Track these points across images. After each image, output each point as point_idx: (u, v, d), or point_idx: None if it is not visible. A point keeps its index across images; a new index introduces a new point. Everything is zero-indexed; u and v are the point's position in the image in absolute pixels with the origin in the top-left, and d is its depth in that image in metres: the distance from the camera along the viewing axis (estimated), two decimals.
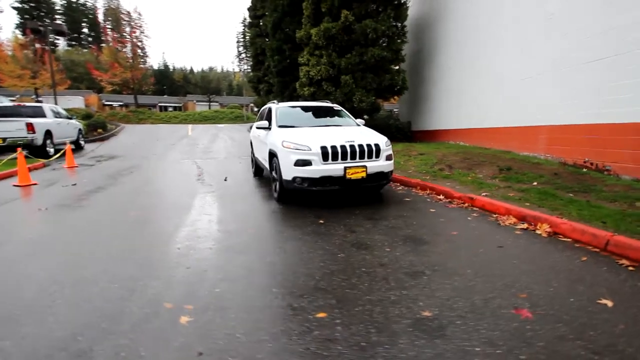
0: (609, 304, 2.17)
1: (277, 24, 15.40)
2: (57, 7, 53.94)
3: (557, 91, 6.63)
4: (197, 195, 5.73)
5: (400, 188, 6.05)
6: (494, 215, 4.20)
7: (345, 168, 4.52)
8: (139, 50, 34.36)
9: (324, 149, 4.54)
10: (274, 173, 5.28)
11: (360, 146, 4.68)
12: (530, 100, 7.35)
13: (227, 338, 1.91)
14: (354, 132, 5.35)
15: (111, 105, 44.65)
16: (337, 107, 6.61)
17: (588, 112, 5.86)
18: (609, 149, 5.51)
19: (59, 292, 2.47)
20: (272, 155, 5.22)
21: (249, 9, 23.11)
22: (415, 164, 7.59)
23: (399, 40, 11.59)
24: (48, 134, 10.56)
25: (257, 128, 6.11)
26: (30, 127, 9.86)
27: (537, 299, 2.27)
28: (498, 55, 8.43)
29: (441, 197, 5.21)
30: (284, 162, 4.75)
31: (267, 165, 5.85)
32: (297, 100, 12.51)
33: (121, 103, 47.06)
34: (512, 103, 7.94)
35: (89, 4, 62.29)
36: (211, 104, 50.20)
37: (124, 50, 33.68)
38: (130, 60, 33.36)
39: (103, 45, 39.15)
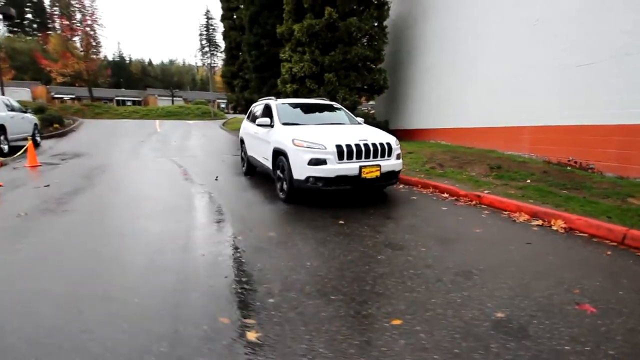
0: None
1: (254, 17, 14.93)
2: None
3: (541, 93, 7.03)
4: (194, 196, 5.38)
5: (401, 186, 6.11)
6: (505, 213, 4.35)
7: (361, 167, 4.45)
8: (92, 40, 31.71)
9: (339, 147, 4.44)
10: (279, 172, 5.08)
11: (374, 145, 4.64)
12: (513, 101, 7.72)
13: (310, 354, 1.77)
14: (362, 130, 5.30)
15: (61, 98, 41.05)
16: (336, 104, 6.54)
17: (572, 114, 6.28)
18: (593, 149, 5.95)
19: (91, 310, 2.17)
20: (279, 153, 5.01)
21: (221, 0, 22.13)
22: (405, 162, 7.70)
23: (380, 40, 11.71)
24: (2, 129, 9.40)
25: (258, 125, 5.85)
26: None
27: (590, 293, 2.35)
28: (481, 56, 8.74)
29: (445, 195, 5.32)
30: (295, 161, 4.57)
31: (267, 164, 5.63)
32: (278, 96, 12.21)
33: (72, 96, 43.48)
34: (495, 103, 8.30)
35: None
36: (174, 98, 47.85)
37: (74, 39, 31.01)
38: (84, 51, 30.77)
39: (50, 33, 35.67)
